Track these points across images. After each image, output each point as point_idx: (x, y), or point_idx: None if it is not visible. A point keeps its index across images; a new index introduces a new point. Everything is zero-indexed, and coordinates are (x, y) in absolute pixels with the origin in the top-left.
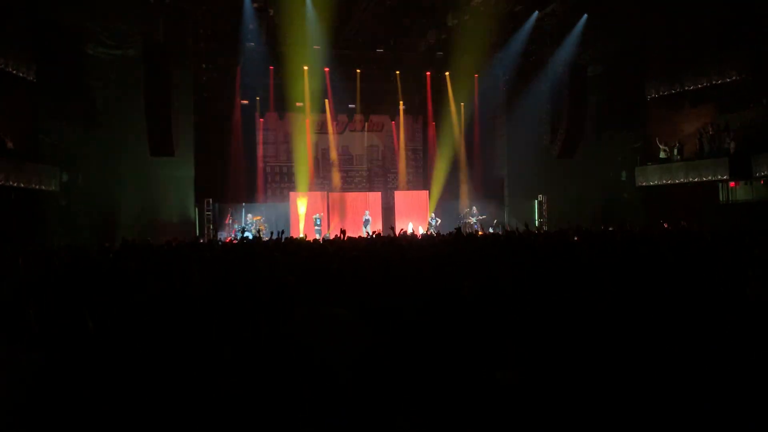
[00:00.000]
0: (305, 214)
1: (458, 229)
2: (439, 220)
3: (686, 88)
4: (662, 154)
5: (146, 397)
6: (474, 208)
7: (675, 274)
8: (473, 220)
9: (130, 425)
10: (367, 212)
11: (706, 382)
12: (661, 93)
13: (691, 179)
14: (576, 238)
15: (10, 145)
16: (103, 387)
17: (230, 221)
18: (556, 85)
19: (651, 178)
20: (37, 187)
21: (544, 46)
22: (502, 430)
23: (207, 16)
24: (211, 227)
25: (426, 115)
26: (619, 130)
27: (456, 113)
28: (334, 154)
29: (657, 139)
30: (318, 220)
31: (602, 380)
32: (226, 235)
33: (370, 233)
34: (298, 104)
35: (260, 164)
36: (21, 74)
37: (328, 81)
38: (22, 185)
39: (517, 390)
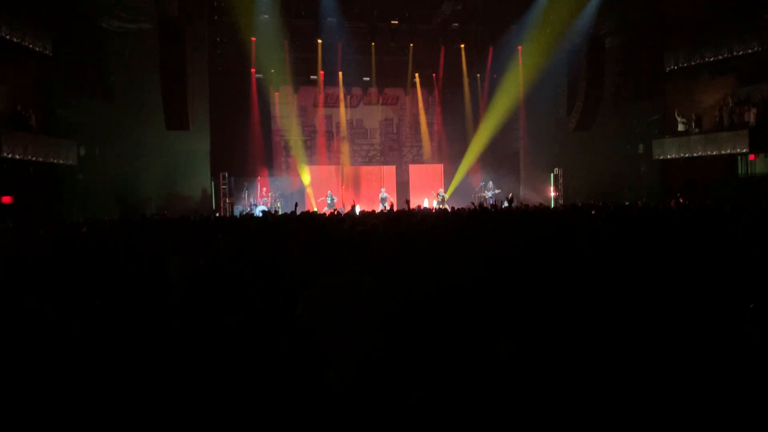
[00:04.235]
0: (313, 189)
1: (482, 206)
2: (442, 190)
3: (706, 59)
4: (680, 127)
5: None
6: (489, 182)
7: (691, 249)
8: (488, 194)
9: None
10: (383, 189)
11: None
12: (680, 64)
13: (709, 152)
14: (593, 212)
15: (33, 121)
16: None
17: (246, 195)
18: (574, 56)
19: (669, 151)
20: (55, 161)
21: (562, 16)
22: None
23: None
24: (227, 201)
25: (441, 88)
26: (637, 102)
27: (471, 86)
28: (344, 129)
29: (675, 111)
30: (332, 200)
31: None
32: (243, 209)
33: (387, 208)
34: (312, 77)
35: (275, 138)
36: (37, 49)
37: (339, 54)
38: (41, 159)
39: (516, 360)
